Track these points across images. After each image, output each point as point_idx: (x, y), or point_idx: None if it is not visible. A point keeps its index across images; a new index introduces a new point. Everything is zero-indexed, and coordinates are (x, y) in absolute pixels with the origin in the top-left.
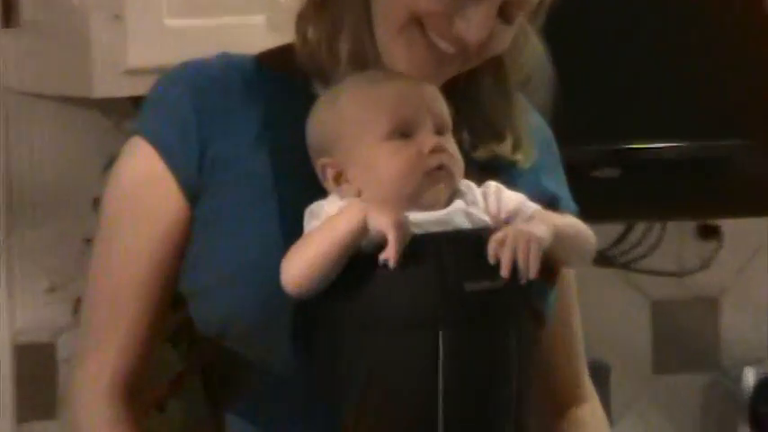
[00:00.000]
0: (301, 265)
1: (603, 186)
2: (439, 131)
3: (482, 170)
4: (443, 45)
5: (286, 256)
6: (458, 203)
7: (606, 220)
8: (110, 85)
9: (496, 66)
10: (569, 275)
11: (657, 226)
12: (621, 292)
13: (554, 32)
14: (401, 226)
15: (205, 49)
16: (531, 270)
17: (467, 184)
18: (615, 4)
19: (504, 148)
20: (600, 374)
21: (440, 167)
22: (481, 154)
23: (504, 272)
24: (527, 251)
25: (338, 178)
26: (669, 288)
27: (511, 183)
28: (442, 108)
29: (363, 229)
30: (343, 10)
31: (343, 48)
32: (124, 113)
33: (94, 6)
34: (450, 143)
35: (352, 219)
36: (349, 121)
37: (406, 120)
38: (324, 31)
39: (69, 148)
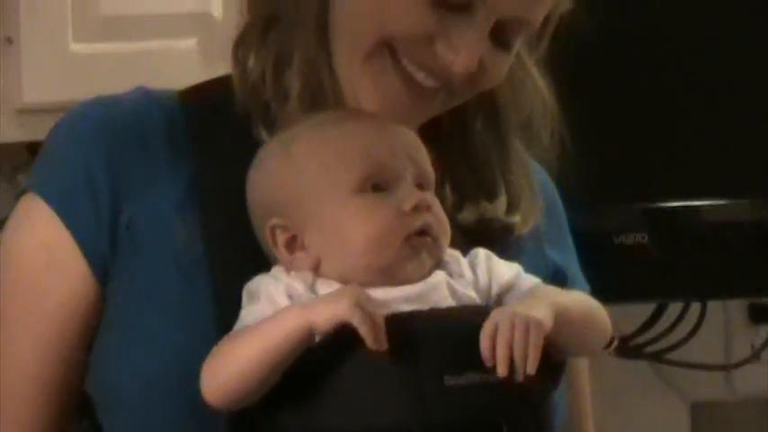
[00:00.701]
0: (225, 377)
1: (628, 256)
2: (420, 186)
3: (468, 236)
4: (421, 76)
5: (207, 360)
6: (438, 275)
7: (632, 299)
8: (0, 128)
9: (488, 104)
10: (581, 368)
11: (696, 306)
12: (652, 390)
13: (561, 66)
14: (362, 303)
15: (120, 82)
16: (530, 365)
17: (450, 253)
18: (637, 29)
19: (497, 209)
20: None
21: (423, 232)
22: (467, 216)
23: (502, 370)
24: (526, 342)
25: (291, 245)
26: (712, 386)
27: (506, 252)
28: (424, 157)
29: (306, 336)
30: (292, 33)
31: (293, 82)
32: (19, 164)
33: None
34: (435, 201)
35: (287, 323)
36: (307, 170)
37: (382, 167)
38: (269, 60)
39: None
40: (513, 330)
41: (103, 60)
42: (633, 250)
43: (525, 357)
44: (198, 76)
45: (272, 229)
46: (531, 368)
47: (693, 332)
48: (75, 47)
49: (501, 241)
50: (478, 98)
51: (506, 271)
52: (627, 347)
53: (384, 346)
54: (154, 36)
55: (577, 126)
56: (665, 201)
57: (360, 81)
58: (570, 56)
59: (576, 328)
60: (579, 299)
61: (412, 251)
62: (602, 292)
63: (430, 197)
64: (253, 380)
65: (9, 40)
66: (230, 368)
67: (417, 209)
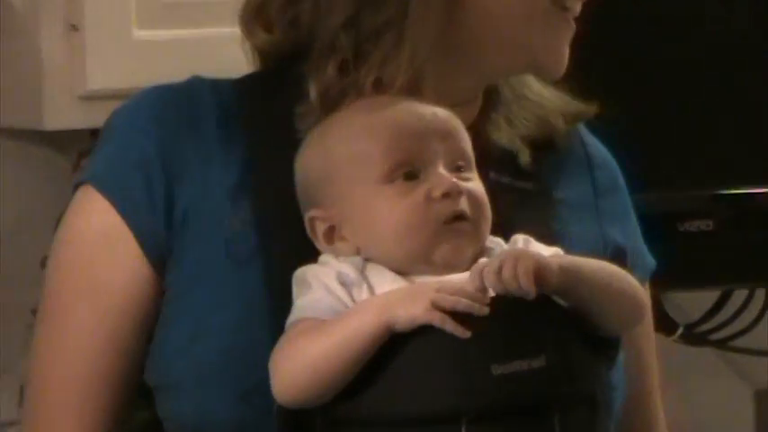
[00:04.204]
0: (296, 373)
1: (693, 243)
2: (458, 168)
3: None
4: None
5: (275, 355)
6: (483, 263)
7: (697, 286)
8: (65, 114)
9: None
10: (648, 353)
11: (761, 293)
12: (717, 377)
13: (628, 54)
14: (440, 300)
15: (184, 69)
16: (524, 281)
17: (492, 240)
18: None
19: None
20: None
21: (458, 217)
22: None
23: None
24: (514, 267)
25: (330, 235)
26: None
27: (560, 221)
28: (461, 137)
29: (384, 334)
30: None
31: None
32: (84, 150)
33: (45, 14)
34: (476, 182)
35: (365, 320)
36: (339, 160)
37: (411, 154)
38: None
39: (14, 195)
40: (504, 262)
41: (167, 47)
42: (698, 237)
43: (517, 278)
44: None
45: (312, 220)
46: (528, 285)
47: (759, 319)
48: (139, 33)
49: (555, 210)
50: None
51: (545, 254)
52: (692, 334)
53: (467, 334)
54: (217, 22)
55: (643, 110)
56: (730, 187)
57: (531, 39)
58: (634, 39)
59: (593, 286)
60: (603, 264)
61: (448, 235)
62: (666, 279)
63: (466, 180)
64: (327, 377)
65: (74, 27)
66: (303, 363)
67: (448, 195)
